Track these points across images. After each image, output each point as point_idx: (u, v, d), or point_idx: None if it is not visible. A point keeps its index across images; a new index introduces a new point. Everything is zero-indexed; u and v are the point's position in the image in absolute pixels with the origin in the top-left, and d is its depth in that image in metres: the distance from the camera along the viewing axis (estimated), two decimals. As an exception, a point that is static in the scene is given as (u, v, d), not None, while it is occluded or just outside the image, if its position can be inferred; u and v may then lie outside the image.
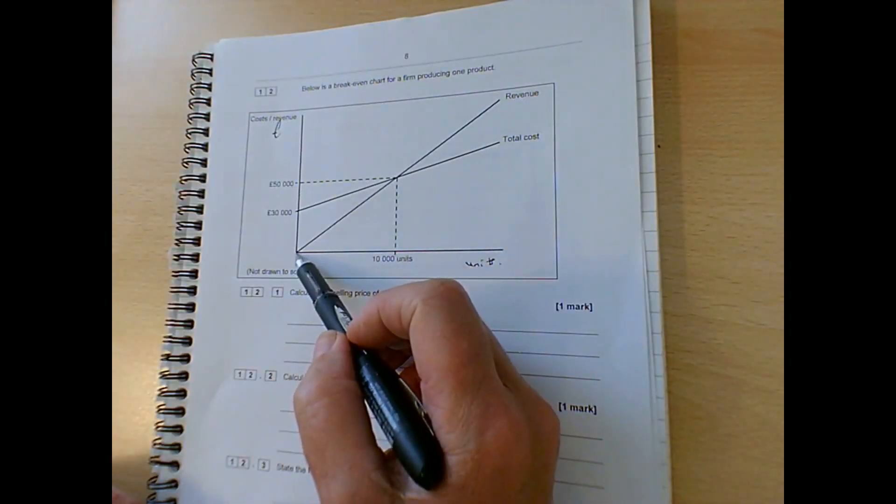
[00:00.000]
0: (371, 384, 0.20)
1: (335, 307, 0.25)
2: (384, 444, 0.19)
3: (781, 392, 0.24)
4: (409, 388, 0.20)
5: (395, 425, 0.18)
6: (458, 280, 0.21)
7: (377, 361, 0.22)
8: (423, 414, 0.19)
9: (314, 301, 0.26)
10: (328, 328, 0.25)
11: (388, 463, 0.19)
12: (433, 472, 0.17)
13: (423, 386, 0.19)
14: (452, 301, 0.19)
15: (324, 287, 0.27)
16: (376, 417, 0.20)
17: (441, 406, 0.18)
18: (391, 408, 0.19)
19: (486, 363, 0.19)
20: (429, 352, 0.18)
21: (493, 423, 0.17)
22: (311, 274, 0.28)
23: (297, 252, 0.30)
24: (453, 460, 0.17)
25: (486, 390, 0.18)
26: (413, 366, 0.20)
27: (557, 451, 0.20)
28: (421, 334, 0.19)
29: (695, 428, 0.25)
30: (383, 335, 0.21)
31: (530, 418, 0.19)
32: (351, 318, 0.24)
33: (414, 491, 0.17)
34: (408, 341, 0.20)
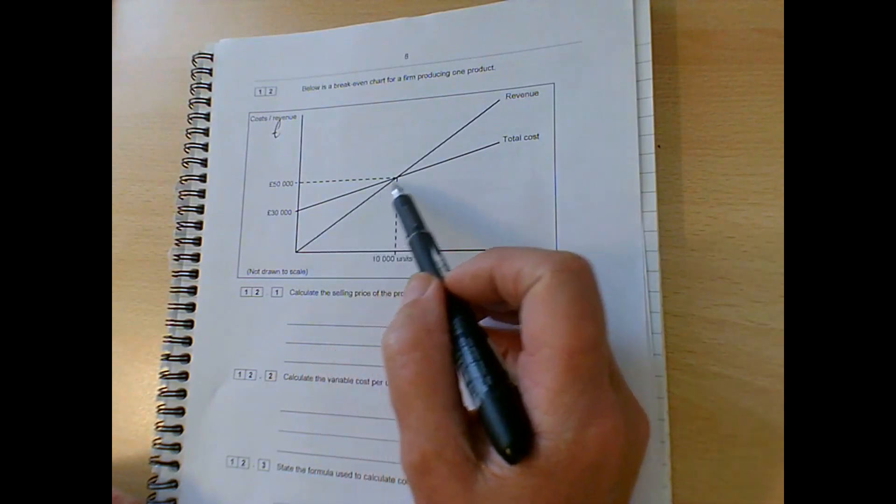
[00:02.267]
0: (462, 339, 0.19)
1: (430, 248, 0.23)
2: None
3: (781, 392, 0.24)
4: (498, 353, 0.19)
5: (483, 389, 0.17)
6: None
7: (471, 317, 0.20)
8: (513, 385, 0.18)
9: (408, 236, 0.25)
10: (420, 269, 0.23)
11: (472, 428, 0.18)
12: (520, 448, 0.16)
13: (524, 358, 0.18)
14: (584, 281, 0.18)
15: (420, 224, 0.25)
16: (462, 376, 0.19)
17: (544, 385, 0.17)
18: (482, 370, 0.18)
19: (604, 357, 0.18)
20: (546, 327, 0.17)
21: (598, 421, 0.16)
22: (407, 207, 0.26)
23: (395, 180, 0.29)
24: (545, 444, 0.16)
25: (598, 385, 0.17)
26: (498, 331, 0.19)
27: (643, 455, 0.20)
28: (542, 306, 0.17)
29: (695, 428, 0.25)
30: (487, 294, 0.20)
31: (629, 422, 0.18)
32: (446, 264, 0.22)
33: (496, 465, 0.17)
34: (509, 310, 0.19)
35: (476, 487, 0.17)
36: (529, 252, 0.19)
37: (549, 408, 0.16)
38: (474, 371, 0.18)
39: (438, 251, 0.24)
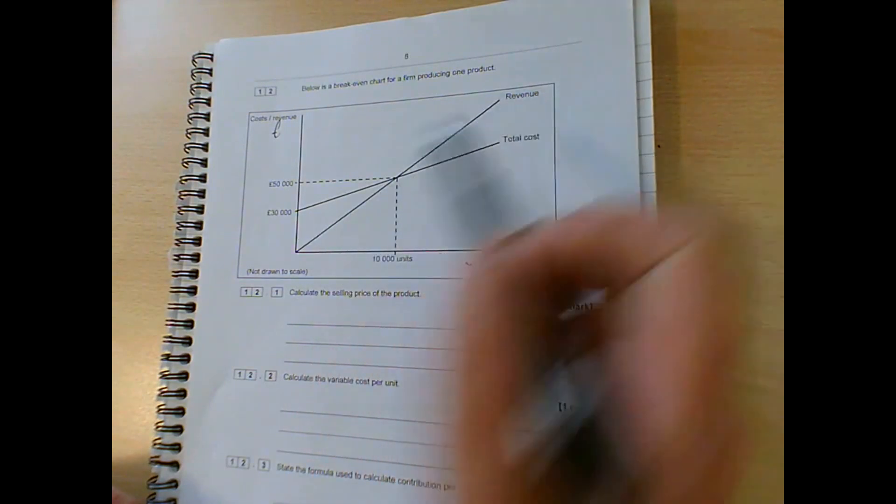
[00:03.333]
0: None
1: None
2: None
3: (781, 392, 0.24)
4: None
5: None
6: (458, 280, 0.17)
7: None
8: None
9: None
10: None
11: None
12: None
13: (640, 355, 0.14)
14: (739, 259, 0.13)
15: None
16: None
17: (667, 394, 0.13)
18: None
19: (737, 366, 0.14)
20: (682, 318, 0.13)
21: (711, 432, 0.13)
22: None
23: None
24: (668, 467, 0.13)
25: (732, 402, 0.14)
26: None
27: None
28: (683, 288, 0.13)
29: (695, 428, 0.25)
30: (576, 268, 0.15)
31: (740, 436, 0.15)
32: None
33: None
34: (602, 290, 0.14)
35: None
36: (656, 221, 0.14)
37: (678, 427, 0.13)
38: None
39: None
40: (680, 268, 0.13)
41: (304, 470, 0.28)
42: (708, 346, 0.13)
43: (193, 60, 0.34)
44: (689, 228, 0.13)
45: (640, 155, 0.26)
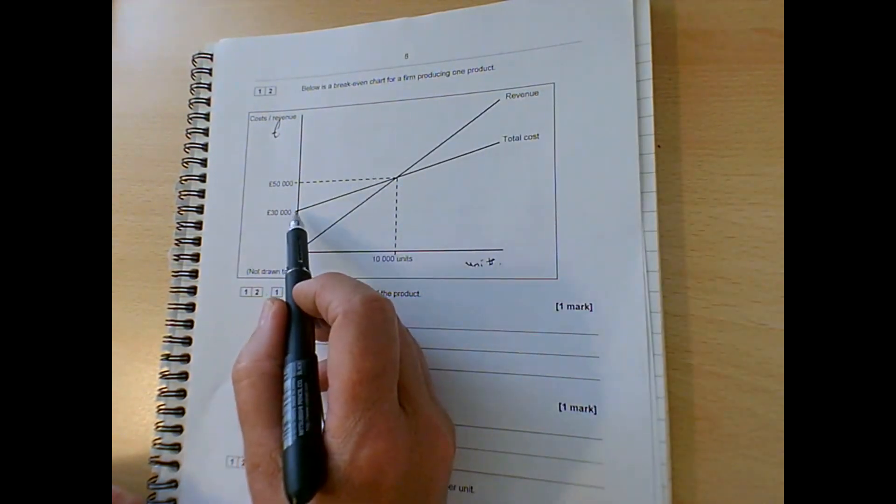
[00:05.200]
0: (289, 381, 0.21)
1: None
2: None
3: (781, 392, 0.24)
4: (318, 386, 0.22)
5: (288, 442, 0.19)
6: (457, 280, 0.21)
7: (307, 342, 0.23)
8: (315, 433, 0.20)
9: (286, 270, 0.26)
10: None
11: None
12: (303, 498, 0.18)
13: (330, 382, 0.20)
14: (371, 319, 0.20)
15: (302, 261, 0.26)
16: (283, 411, 0.21)
17: (335, 413, 0.20)
18: (293, 418, 0.20)
19: (383, 386, 0.20)
20: (335, 361, 0.20)
21: (370, 443, 0.19)
22: (299, 241, 0.27)
23: (295, 211, 0.30)
24: (331, 465, 0.19)
25: (376, 411, 0.19)
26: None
27: (447, 476, 0.22)
28: (334, 342, 0.20)
29: (695, 428, 0.25)
30: (317, 314, 0.23)
31: (418, 443, 0.20)
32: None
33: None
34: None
35: (281, 495, 0.19)
36: (343, 287, 0.22)
37: (334, 432, 0.19)
38: (289, 415, 0.20)
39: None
40: (335, 328, 0.21)
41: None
42: (346, 375, 0.19)
43: (193, 60, 0.34)
44: (343, 304, 0.21)
45: (640, 155, 0.26)
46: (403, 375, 0.21)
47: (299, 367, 0.21)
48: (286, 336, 0.23)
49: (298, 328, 0.23)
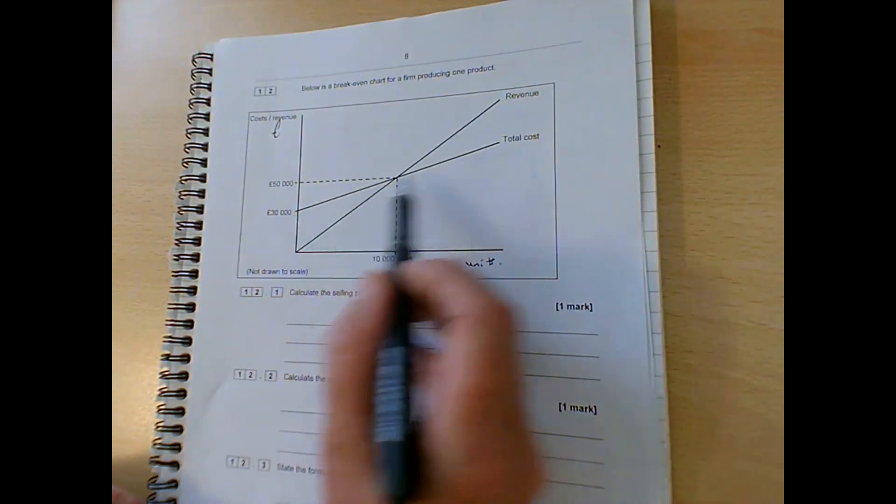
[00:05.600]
0: (391, 368, 0.20)
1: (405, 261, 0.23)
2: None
3: (781, 392, 0.24)
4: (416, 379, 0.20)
5: (391, 432, 0.19)
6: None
7: (408, 329, 0.21)
8: (415, 431, 0.19)
9: (392, 242, 0.24)
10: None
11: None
12: (400, 501, 0.18)
13: (437, 381, 0.19)
14: (497, 332, 0.19)
15: (408, 237, 0.24)
16: (377, 402, 0.20)
17: (442, 417, 0.18)
18: (394, 414, 0.19)
19: (498, 405, 0.19)
20: (456, 367, 0.18)
21: (478, 463, 0.18)
22: (406, 210, 0.25)
23: (397, 177, 0.27)
24: (433, 473, 0.18)
25: (488, 429, 0.18)
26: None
27: (532, 500, 0.20)
28: (457, 346, 0.19)
29: (695, 428, 0.25)
30: (422, 300, 0.21)
31: (518, 469, 0.19)
32: None
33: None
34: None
35: (367, 479, 0.19)
36: (463, 284, 0.20)
37: (441, 441, 0.18)
38: (390, 406, 0.19)
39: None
40: (460, 331, 0.19)
41: (304, 470, 0.28)
42: (466, 385, 0.18)
43: (193, 60, 0.34)
44: (470, 306, 0.19)
45: (640, 155, 0.26)
46: (513, 396, 0.20)
47: (405, 355, 0.20)
48: (389, 318, 0.21)
49: (403, 312, 0.21)
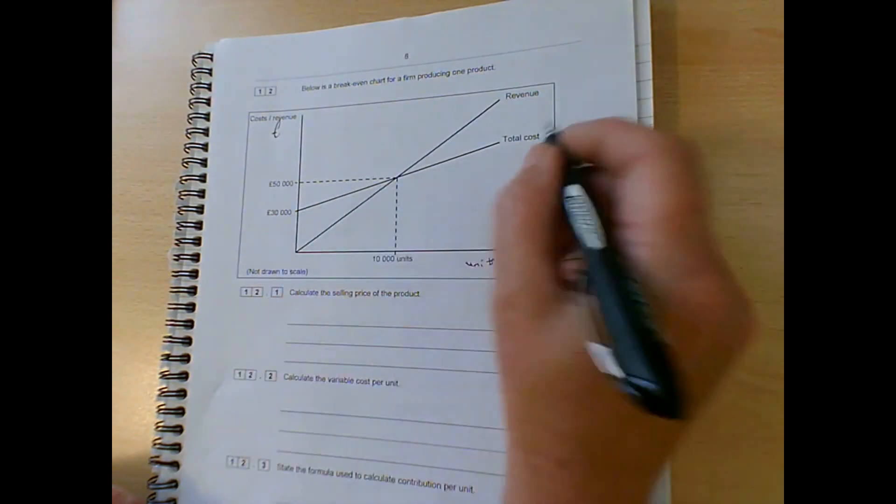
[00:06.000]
0: (574, 201, 0.19)
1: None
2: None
3: (781, 392, 0.24)
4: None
5: (590, 240, 0.18)
6: (458, 280, 0.21)
7: (586, 184, 0.20)
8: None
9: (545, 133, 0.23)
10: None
11: (558, 275, 0.19)
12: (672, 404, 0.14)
13: (627, 227, 0.18)
14: (687, 157, 0.19)
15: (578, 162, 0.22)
16: (577, 239, 0.19)
17: (646, 243, 0.17)
18: (592, 228, 0.18)
19: (706, 224, 0.18)
20: (650, 192, 0.18)
21: (701, 276, 0.17)
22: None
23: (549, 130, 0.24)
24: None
25: (701, 245, 0.17)
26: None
27: (744, 350, 0.19)
28: (647, 175, 0.18)
29: (695, 428, 0.25)
30: (594, 158, 0.21)
31: (736, 297, 0.18)
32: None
33: (573, 303, 0.18)
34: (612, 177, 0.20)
35: (549, 320, 0.18)
36: (639, 128, 0.20)
37: (650, 262, 0.17)
38: (583, 224, 0.19)
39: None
40: (646, 163, 0.18)
41: (304, 470, 0.28)
42: (666, 203, 0.17)
43: (193, 60, 0.34)
44: (652, 140, 0.19)
45: (640, 155, 0.26)
46: (709, 221, 0.19)
47: (589, 187, 0.19)
48: (563, 177, 0.20)
49: (575, 167, 0.21)
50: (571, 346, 0.17)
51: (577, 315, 0.18)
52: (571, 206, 0.20)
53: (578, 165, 0.21)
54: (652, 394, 0.14)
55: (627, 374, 0.15)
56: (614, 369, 0.15)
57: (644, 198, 0.18)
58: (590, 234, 0.18)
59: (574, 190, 0.20)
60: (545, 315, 0.18)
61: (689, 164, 0.18)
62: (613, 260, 0.17)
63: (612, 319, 0.16)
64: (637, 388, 0.15)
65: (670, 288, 0.16)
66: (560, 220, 0.20)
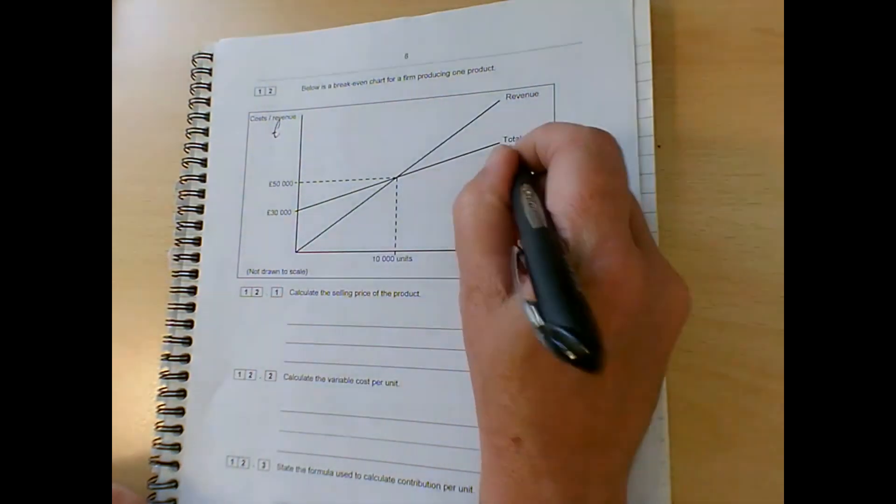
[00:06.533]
0: (521, 198, 0.21)
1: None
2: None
3: (781, 392, 0.24)
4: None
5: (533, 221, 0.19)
6: (457, 280, 0.21)
7: (533, 182, 0.22)
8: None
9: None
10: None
11: (507, 269, 0.21)
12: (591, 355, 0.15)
13: (554, 219, 0.19)
14: (601, 145, 0.20)
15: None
16: (520, 228, 0.20)
17: (565, 230, 0.19)
18: (534, 214, 0.20)
19: (617, 206, 0.19)
20: (561, 181, 0.19)
21: (606, 256, 0.18)
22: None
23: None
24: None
25: (610, 227, 0.18)
26: None
27: (680, 326, 0.21)
28: (556, 168, 0.20)
29: (695, 428, 0.25)
30: (537, 162, 0.22)
31: (654, 281, 0.19)
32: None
33: (522, 296, 0.19)
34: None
35: (499, 309, 0.20)
36: (558, 126, 0.21)
37: (570, 245, 0.18)
38: (527, 216, 0.20)
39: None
40: (559, 154, 0.20)
41: (304, 470, 0.28)
42: (575, 189, 0.19)
43: (193, 60, 0.34)
44: (567, 134, 0.20)
45: (640, 155, 0.26)
46: (635, 216, 0.20)
47: (533, 186, 0.21)
48: (512, 178, 0.22)
49: (526, 169, 0.23)
50: (515, 329, 0.19)
51: (519, 299, 0.19)
52: (519, 201, 0.21)
53: (528, 168, 0.23)
54: (569, 342, 0.15)
55: (546, 322, 0.16)
56: (536, 318, 0.16)
57: (558, 186, 0.19)
58: (531, 218, 0.19)
59: (522, 188, 0.22)
60: (496, 306, 0.20)
61: (598, 152, 0.20)
62: (546, 237, 0.18)
63: (538, 279, 0.17)
64: (556, 335, 0.15)
65: (584, 268, 0.18)
66: (512, 219, 0.21)
